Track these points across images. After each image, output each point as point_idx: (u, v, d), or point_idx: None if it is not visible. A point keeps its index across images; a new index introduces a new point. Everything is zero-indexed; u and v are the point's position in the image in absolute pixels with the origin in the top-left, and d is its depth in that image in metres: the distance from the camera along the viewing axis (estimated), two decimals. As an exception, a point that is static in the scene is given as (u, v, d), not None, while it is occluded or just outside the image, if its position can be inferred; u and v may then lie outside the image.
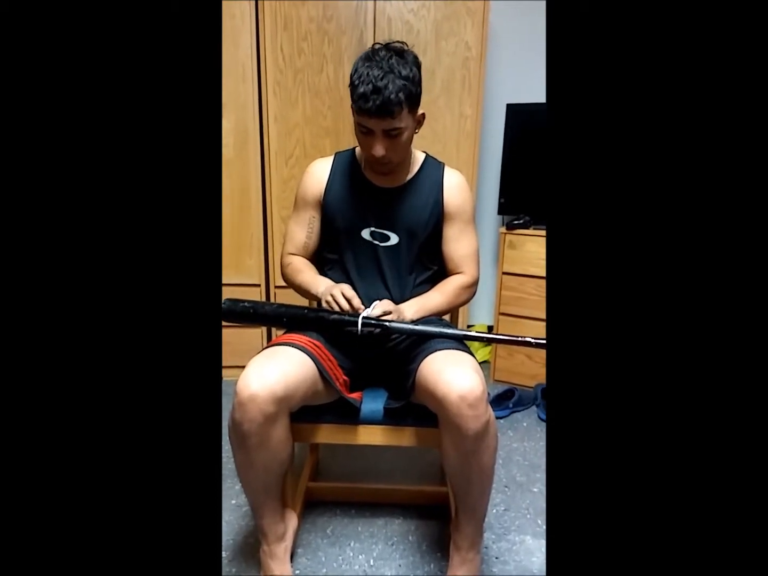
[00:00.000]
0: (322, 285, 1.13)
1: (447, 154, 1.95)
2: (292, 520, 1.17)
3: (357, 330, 1.03)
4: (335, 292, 1.07)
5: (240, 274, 1.99)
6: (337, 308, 1.06)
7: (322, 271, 1.26)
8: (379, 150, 1.05)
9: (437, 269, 1.25)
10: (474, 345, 2.21)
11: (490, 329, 2.40)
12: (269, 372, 0.92)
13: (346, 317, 1.04)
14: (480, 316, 2.47)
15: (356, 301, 1.05)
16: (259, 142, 1.92)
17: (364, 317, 1.03)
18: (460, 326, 1.45)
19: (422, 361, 1.01)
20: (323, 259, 1.26)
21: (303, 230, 1.23)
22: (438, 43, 1.87)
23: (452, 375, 0.91)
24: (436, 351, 1.01)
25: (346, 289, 1.07)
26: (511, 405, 1.89)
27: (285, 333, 1.10)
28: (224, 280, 1.98)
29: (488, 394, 0.96)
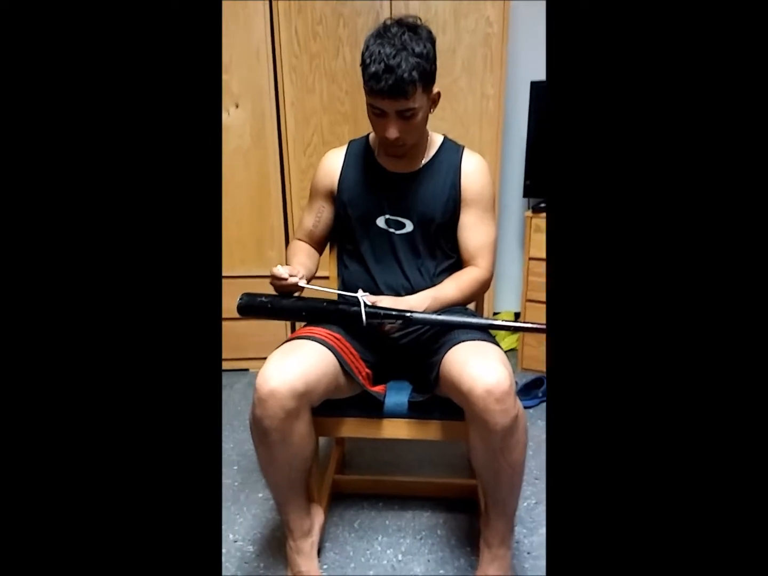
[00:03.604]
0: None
1: (470, 137, 1.88)
2: (319, 515, 1.15)
3: (362, 321, 0.99)
4: (271, 273, 1.03)
5: (261, 266, 1.97)
6: (282, 289, 1.03)
7: (342, 262, 1.23)
8: (392, 132, 1.01)
9: (458, 257, 1.20)
10: (500, 333, 2.15)
11: (517, 316, 2.34)
12: (289, 367, 0.89)
13: (366, 309, 1.00)
14: (506, 303, 2.41)
15: (284, 272, 1.01)
16: (276, 130, 1.89)
17: (368, 307, 1.00)
18: (485, 314, 1.40)
19: (446, 352, 0.97)
20: (343, 249, 1.23)
21: (311, 218, 1.22)
22: (457, 21, 1.79)
23: (478, 368, 0.87)
24: (459, 342, 0.97)
25: (277, 270, 1.03)
26: (540, 394, 1.84)
27: (305, 326, 1.07)
28: (245, 272, 1.98)
29: (516, 383, 0.92)
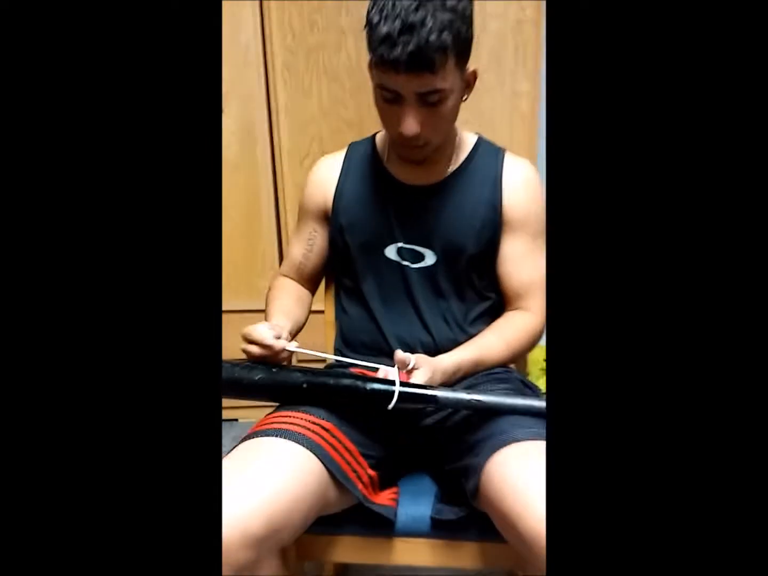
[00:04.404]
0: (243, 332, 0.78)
1: (497, 142, 1.56)
2: None
3: (390, 404, 0.67)
4: (245, 335, 0.73)
5: (251, 298, 1.67)
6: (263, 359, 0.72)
7: (339, 303, 0.91)
8: (410, 125, 0.71)
9: (498, 298, 0.88)
10: (534, 372, 1.80)
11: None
12: (242, 497, 0.57)
13: (378, 387, 0.69)
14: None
15: (268, 335, 0.71)
16: (268, 141, 1.60)
17: (400, 387, 0.68)
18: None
19: (490, 456, 0.64)
20: (341, 286, 0.92)
21: (300, 247, 0.93)
22: (482, 5, 1.49)
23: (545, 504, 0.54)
24: (509, 443, 0.64)
25: (255, 330, 0.72)
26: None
27: (276, 410, 0.74)
28: (234, 307, 1.67)
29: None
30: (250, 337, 0.71)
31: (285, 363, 0.75)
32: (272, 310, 0.86)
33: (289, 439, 0.65)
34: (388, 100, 0.72)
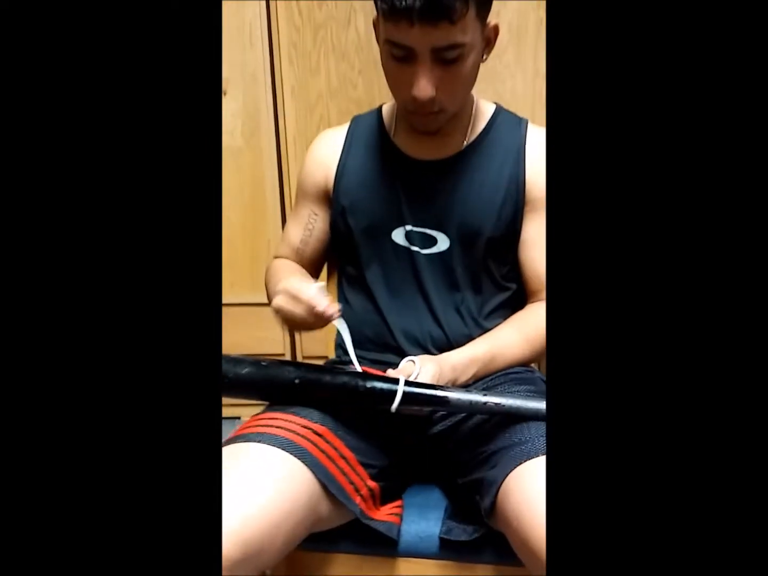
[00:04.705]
0: (280, 288, 0.67)
1: (518, 127, 1.46)
2: None
3: (392, 407, 0.58)
4: (289, 290, 0.63)
5: (255, 291, 1.58)
6: (298, 315, 0.63)
7: (341, 293, 0.82)
8: (425, 87, 0.62)
9: (517, 288, 0.78)
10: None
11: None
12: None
13: (379, 385, 0.60)
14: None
15: (322, 301, 0.61)
16: (273, 124, 1.51)
17: (405, 387, 0.59)
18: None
19: (510, 471, 0.55)
20: (343, 274, 0.83)
21: (298, 230, 0.84)
22: (502, -23, 1.39)
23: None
24: (533, 456, 0.55)
25: (305, 288, 0.62)
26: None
27: (265, 411, 0.66)
28: (236, 299, 1.61)
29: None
30: (298, 295, 0.62)
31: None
32: (273, 282, 0.77)
33: (274, 445, 0.56)
34: (399, 59, 0.62)
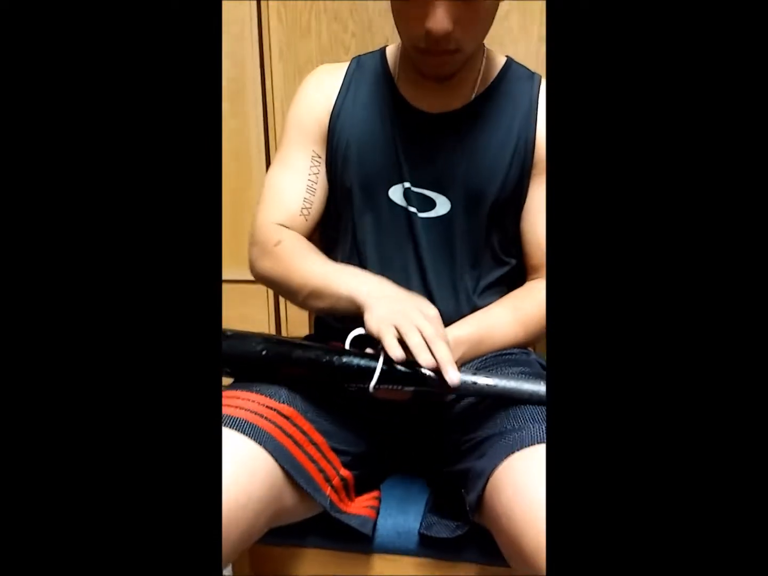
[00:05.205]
0: (364, 288, 0.57)
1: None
2: None
3: (370, 386, 0.51)
4: (410, 321, 0.52)
5: (238, 267, 1.50)
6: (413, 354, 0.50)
7: (323, 247, 0.73)
8: (442, 19, 0.54)
9: (517, 264, 0.71)
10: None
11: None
12: None
13: (354, 361, 0.53)
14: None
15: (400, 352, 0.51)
16: (260, 89, 1.42)
17: (385, 364, 0.51)
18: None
19: (500, 461, 0.48)
20: (325, 235, 0.75)
21: (298, 182, 0.68)
22: (509, -64, 1.29)
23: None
24: (527, 444, 0.48)
25: (426, 314, 0.54)
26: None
27: (229, 387, 0.58)
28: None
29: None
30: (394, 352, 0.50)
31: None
32: (330, 272, 0.61)
33: (231, 427, 0.49)
34: None
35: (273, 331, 1.61)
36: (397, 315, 0.52)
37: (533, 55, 1.36)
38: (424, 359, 0.49)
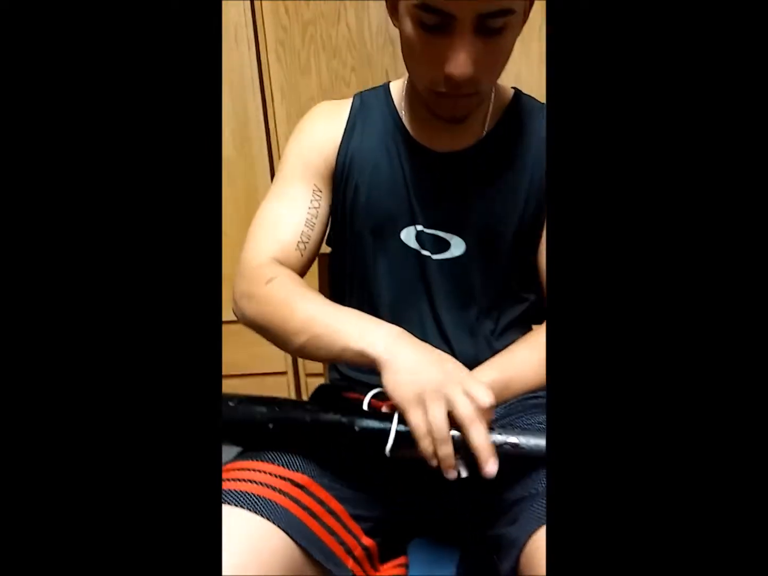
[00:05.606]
0: (380, 343, 0.50)
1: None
2: None
3: (386, 450, 0.48)
4: (439, 398, 0.46)
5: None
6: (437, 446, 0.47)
7: (333, 300, 0.70)
8: (463, 63, 0.51)
9: (536, 299, 0.68)
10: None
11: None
12: None
13: (371, 425, 0.50)
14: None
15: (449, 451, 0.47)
16: (264, 130, 1.43)
17: (401, 425, 0.48)
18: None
19: (535, 529, 0.44)
20: (335, 278, 0.73)
21: (298, 214, 0.64)
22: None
23: None
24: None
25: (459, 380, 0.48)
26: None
27: (236, 458, 0.55)
28: (230, 317, 1.51)
29: None
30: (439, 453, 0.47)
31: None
32: (331, 315, 0.54)
33: (240, 505, 0.46)
34: (431, 28, 0.51)
35: (290, 366, 1.59)
36: (423, 386, 0.46)
37: (536, 69, 1.35)
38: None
